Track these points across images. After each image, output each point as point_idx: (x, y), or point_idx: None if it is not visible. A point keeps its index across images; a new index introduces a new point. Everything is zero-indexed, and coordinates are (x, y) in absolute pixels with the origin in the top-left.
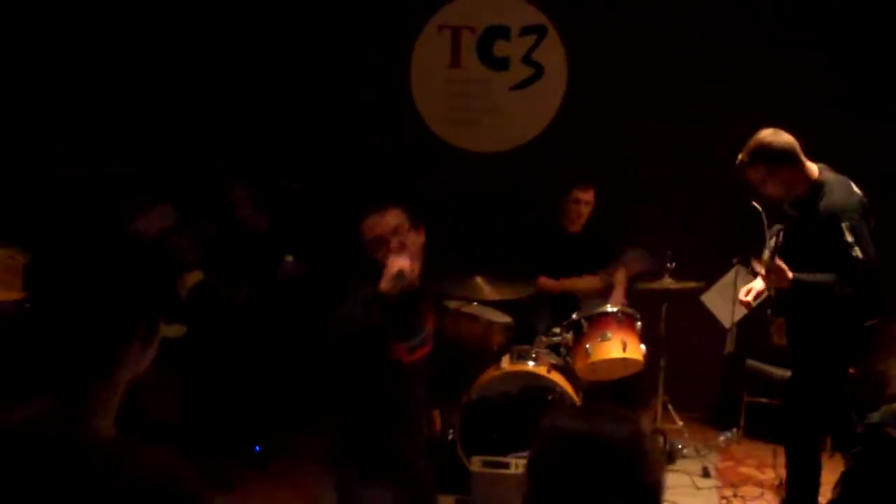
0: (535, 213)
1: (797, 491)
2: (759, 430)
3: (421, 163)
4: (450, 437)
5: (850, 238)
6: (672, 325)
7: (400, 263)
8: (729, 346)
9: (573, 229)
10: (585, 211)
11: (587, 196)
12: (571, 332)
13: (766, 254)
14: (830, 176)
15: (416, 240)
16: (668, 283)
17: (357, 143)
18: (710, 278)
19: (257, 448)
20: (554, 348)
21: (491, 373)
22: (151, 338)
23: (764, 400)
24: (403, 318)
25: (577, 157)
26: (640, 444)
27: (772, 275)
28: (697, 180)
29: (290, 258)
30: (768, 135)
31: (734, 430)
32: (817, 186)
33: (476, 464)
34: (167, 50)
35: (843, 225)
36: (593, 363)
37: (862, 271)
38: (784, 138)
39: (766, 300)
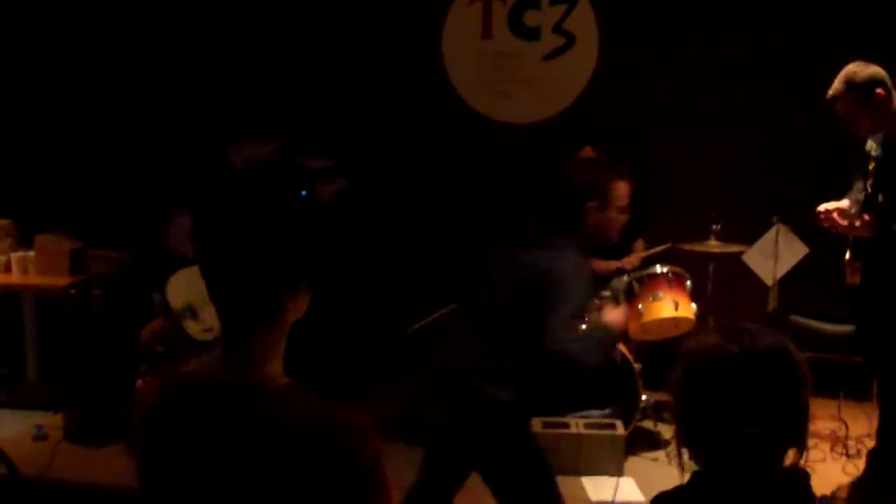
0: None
1: (888, 441)
2: None
3: (456, 135)
4: None
5: None
6: (719, 283)
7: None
8: (771, 303)
9: None
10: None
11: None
12: (623, 294)
13: (854, 207)
14: None
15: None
16: (712, 245)
17: (391, 117)
18: (755, 239)
19: None
20: None
21: None
22: (310, 284)
23: (808, 354)
24: None
25: (611, 125)
26: (789, 357)
27: (858, 224)
28: (736, 143)
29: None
30: (856, 65)
31: None
32: None
33: (537, 425)
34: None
35: None
36: (645, 323)
37: None
38: (872, 69)
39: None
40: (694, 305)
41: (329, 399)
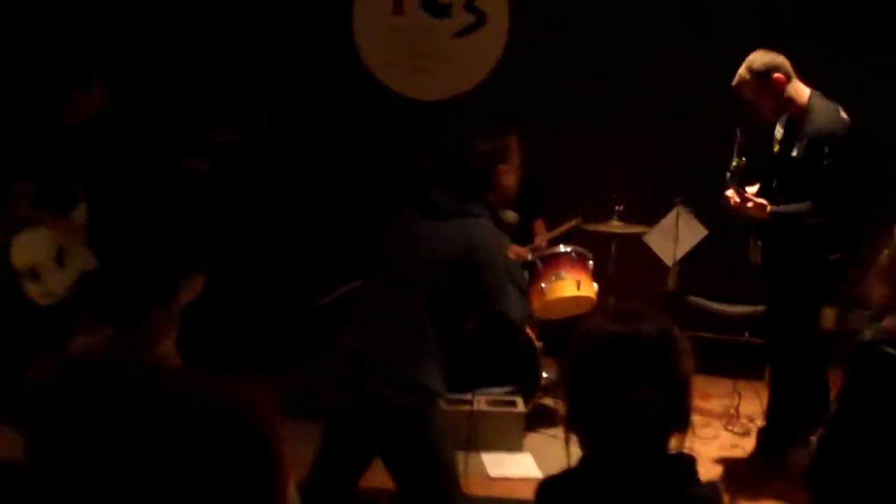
0: None
1: (778, 420)
2: (701, 363)
3: (366, 110)
4: None
5: (829, 161)
6: (620, 264)
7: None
8: (671, 284)
9: None
10: None
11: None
12: (526, 273)
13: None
14: (820, 101)
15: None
16: (615, 225)
17: (300, 92)
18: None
19: None
20: None
21: None
22: (206, 267)
23: (704, 334)
24: None
25: (521, 103)
26: (672, 338)
27: (749, 205)
28: (644, 124)
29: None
30: (758, 53)
31: None
32: (805, 110)
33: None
34: None
35: (826, 148)
36: (548, 302)
37: (838, 198)
38: (772, 57)
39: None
40: (595, 285)
41: (226, 377)
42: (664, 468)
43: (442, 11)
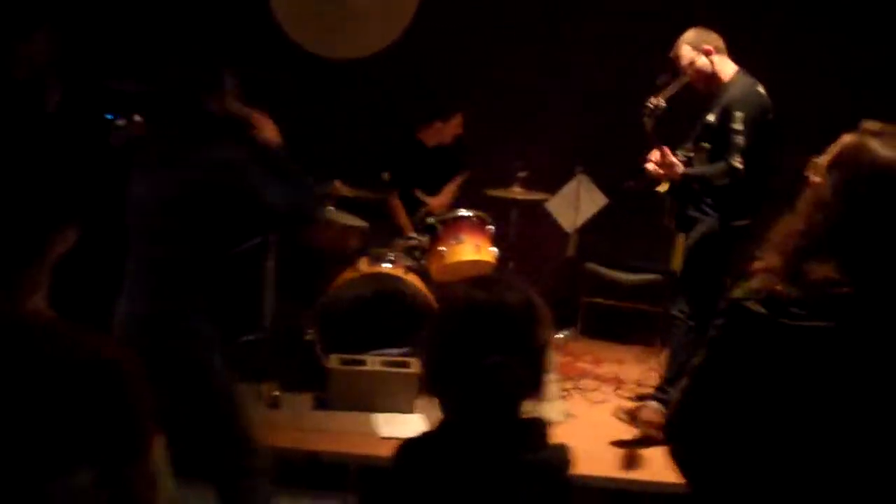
0: (394, 118)
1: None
2: (595, 328)
3: (278, 68)
4: (307, 336)
5: (738, 126)
6: (521, 229)
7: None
8: (570, 250)
9: (434, 143)
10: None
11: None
12: (427, 236)
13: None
14: (741, 77)
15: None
16: (516, 191)
17: (211, 48)
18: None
19: None
20: (409, 251)
21: (348, 274)
22: (79, 220)
23: (600, 300)
24: None
25: (435, 64)
26: (533, 308)
27: (665, 163)
28: (554, 91)
29: (121, 122)
30: (692, 30)
31: (571, 328)
32: (727, 83)
33: (333, 361)
34: None
35: (736, 114)
36: (447, 265)
37: (743, 161)
38: (705, 33)
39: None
40: (495, 249)
41: (96, 332)
42: (514, 433)
43: None
